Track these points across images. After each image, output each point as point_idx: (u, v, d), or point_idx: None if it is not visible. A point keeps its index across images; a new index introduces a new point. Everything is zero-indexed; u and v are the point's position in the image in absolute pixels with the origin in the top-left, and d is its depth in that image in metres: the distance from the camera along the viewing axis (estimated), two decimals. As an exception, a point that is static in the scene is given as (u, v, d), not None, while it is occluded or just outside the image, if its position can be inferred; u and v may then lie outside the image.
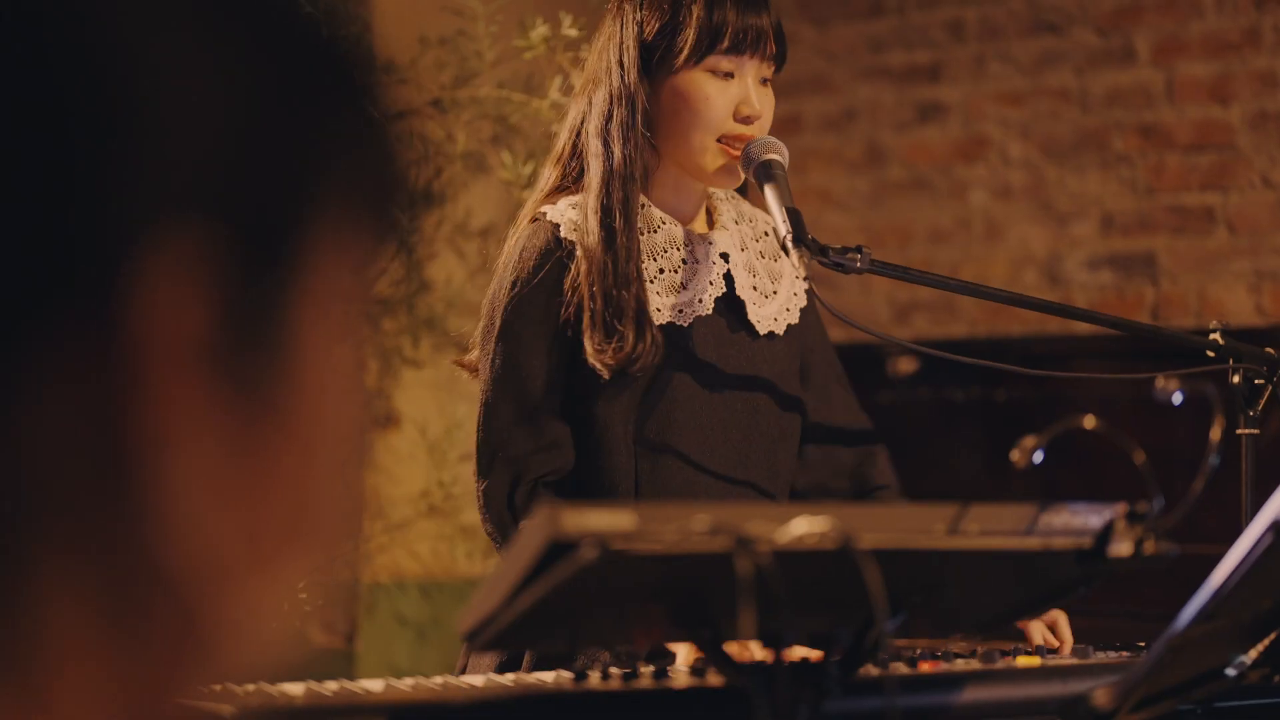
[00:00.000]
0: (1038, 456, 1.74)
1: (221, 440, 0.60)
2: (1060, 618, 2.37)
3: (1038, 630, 2.35)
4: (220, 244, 0.59)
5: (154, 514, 0.58)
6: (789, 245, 2.28)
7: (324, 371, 0.63)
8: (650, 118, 2.41)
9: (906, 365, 4.94)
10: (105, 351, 0.57)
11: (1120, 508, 1.74)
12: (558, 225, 2.39)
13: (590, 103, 2.43)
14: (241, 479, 0.61)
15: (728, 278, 2.47)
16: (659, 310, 2.40)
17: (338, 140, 0.64)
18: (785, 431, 2.51)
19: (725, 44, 2.39)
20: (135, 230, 0.57)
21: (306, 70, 0.64)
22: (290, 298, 0.62)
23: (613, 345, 2.32)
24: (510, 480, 2.34)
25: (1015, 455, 1.74)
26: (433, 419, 4.26)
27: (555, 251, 2.37)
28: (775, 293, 2.52)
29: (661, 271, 2.43)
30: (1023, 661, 2.12)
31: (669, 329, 2.40)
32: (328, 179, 0.63)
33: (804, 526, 1.54)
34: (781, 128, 2.50)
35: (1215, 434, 1.72)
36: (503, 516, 2.33)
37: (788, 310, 2.52)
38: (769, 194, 2.34)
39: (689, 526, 1.52)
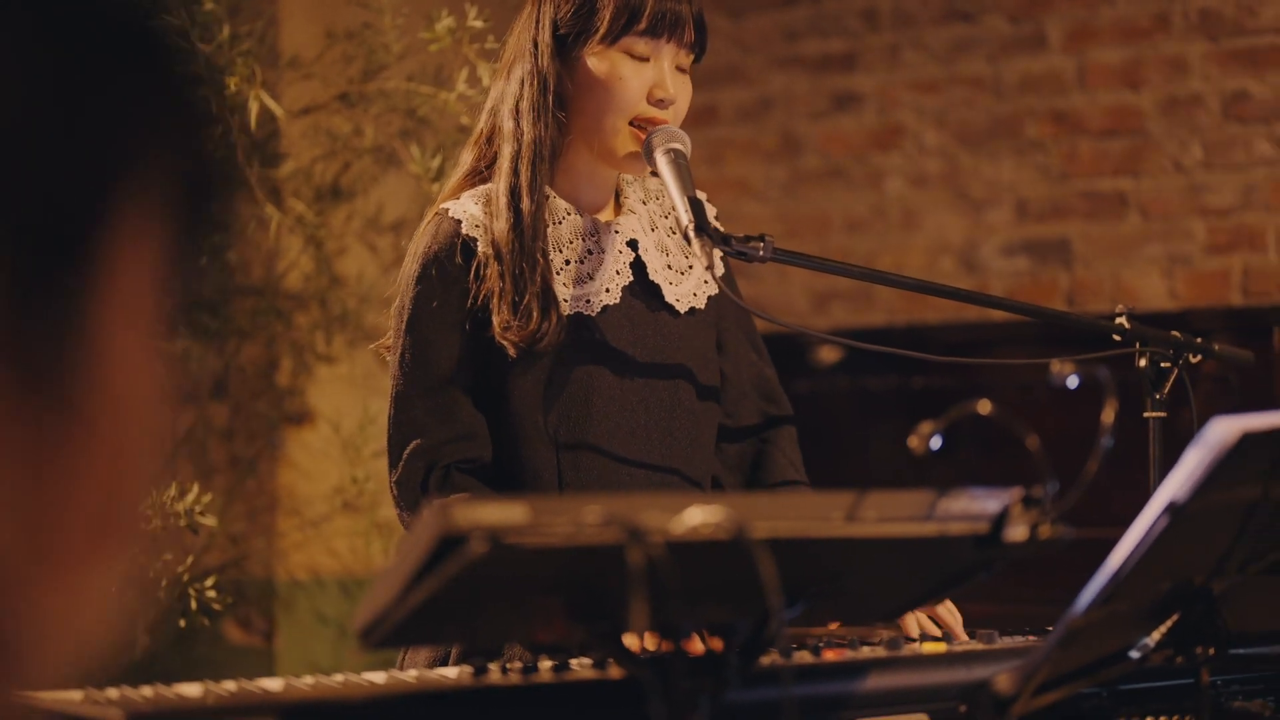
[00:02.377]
0: (935, 442, 1.74)
1: (13, 436, 0.58)
2: (940, 605, 2.37)
3: (912, 622, 2.35)
4: (10, 241, 0.57)
5: None
6: (691, 235, 2.28)
7: (130, 369, 0.61)
8: (564, 98, 2.41)
9: (827, 355, 4.95)
10: None
11: (1016, 492, 1.74)
12: (459, 221, 2.38)
13: (507, 83, 2.43)
14: (36, 476, 0.59)
15: (636, 265, 2.47)
16: (565, 301, 2.39)
17: (143, 132, 0.62)
18: (708, 407, 2.50)
19: (642, 25, 2.38)
20: None
21: (111, 59, 0.62)
22: (89, 294, 0.60)
23: (518, 322, 2.31)
24: (424, 469, 2.33)
25: (913, 441, 1.74)
26: (347, 415, 4.23)
27: (457, 245, 2.36)
28: (691, 267, 2.51)
29: (567, 263, 2.42)
30: (928, 648, 2.12)
31: (577, 319, 2.39)
32: (132, 172, 0.61)
33: (698, 517, 1.53)
34: (697, 118, 2.49)
35: (1107, 416, 1.72)
36: (418, 505, 2.31)
37: (706, 282, 2.52)
38: (670, 184, 2.34)
39: (581, 518, 1.51)
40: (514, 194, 2.37)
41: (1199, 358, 2.62)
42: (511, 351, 2.33)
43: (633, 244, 2.47)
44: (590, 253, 2.44)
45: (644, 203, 2.52)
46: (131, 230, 0.61)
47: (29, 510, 0.58)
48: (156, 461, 0.62)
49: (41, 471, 0.58)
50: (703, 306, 2.51)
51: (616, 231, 2.47)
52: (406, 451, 2.34)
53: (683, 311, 2.48)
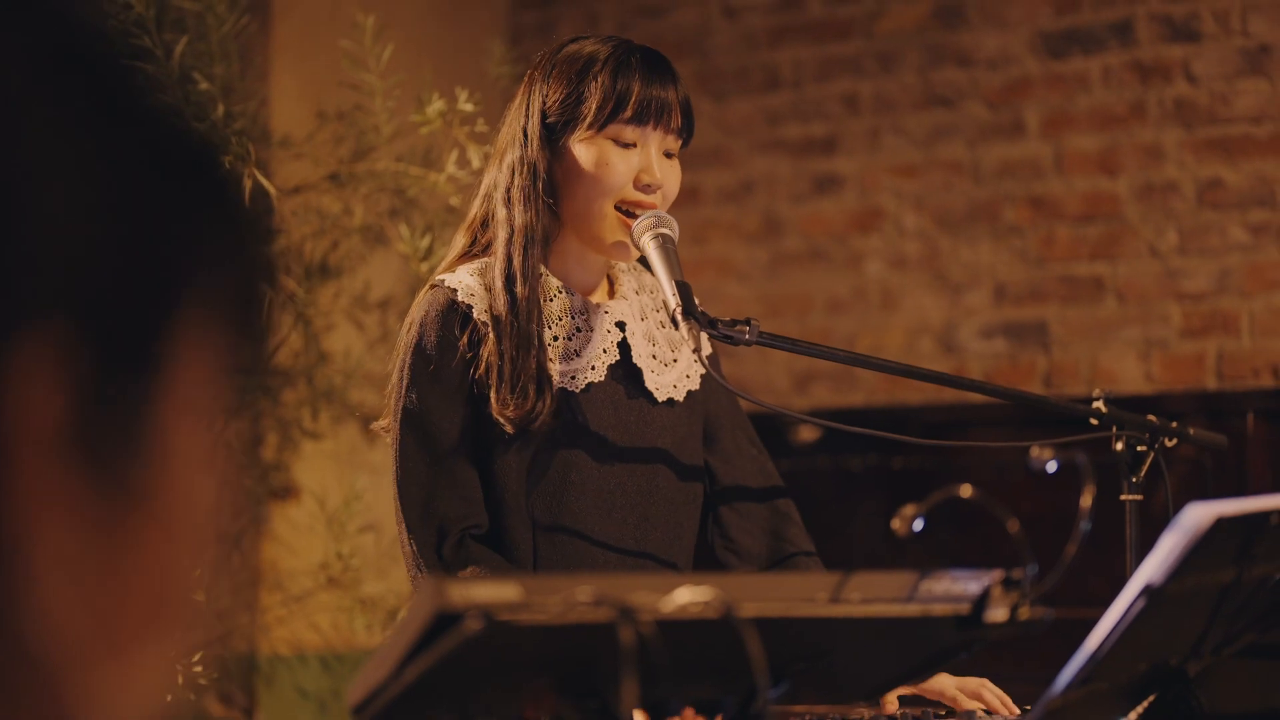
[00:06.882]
0: (918, 524, 1.77)
1: (83, 526, 0.62)
2: (984, 686, 2.41)
3: (966, 702, 2.39)
4: (82, 338, 0.61)
5: (17, 598, 0.60)
6: (678, 318, 2.32)
7: (186, 456, 0.66)
8: (553, 184, 2.45)
9: (807, 434, 4.99)
10: None
11: (997, 574, 1.77)
12: (455, 290, 2.42)
13: (499, 170, 2.48)
14: (103, 562, 0.63)
15: (623, 345, 2.50)
16: (551, 376, 2.43)
17: (201, 230, 0.66)
18: (687, 496, 2.53)
19: (628, 113, 2.43)
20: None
21: (168, 158, 0.66)
22: (152, 387, 0.64)
23: (515, 400, 2.35)
24: (437, 535, 2.35)
25: (896, 524, 1.78)
26: (332, 490, 4.25)
27: (454, 315, 2.40)
28: (675, 360, 2.55)
29: (555, 339, 2.46)
30: (909, 727, 2.15)
31: (561, 394, 2.43)
32: (191, 267, 0.65)
33: (687, 596, 1.57)
34: (681, 199, 2.54)
35: (1086, 501, 1.76)
36: (435, 572, 2.33)
37: (688, 377, 2.55)
38: (658, 268, 2.38)
39: (573, 597, 1.54)
40: (509, 279, 2.41)
41: (1174, 441, 2.66)
42: (509, 429, 2.37)
43: (620, 325, 2.52)
44: (579, 330, 2.48)
45: (637, 293, 2.56)
46: (191, 329, 0.65)
47: (95, 591, 0.62)
48: (209, 543, 0.66)
49: (106, 554, 0.62)
50: (681, 400, 2.54)
51: (606, 312, 2.51)
52: (417, 518, 2.36)
53: (660, 400, 2.52)
